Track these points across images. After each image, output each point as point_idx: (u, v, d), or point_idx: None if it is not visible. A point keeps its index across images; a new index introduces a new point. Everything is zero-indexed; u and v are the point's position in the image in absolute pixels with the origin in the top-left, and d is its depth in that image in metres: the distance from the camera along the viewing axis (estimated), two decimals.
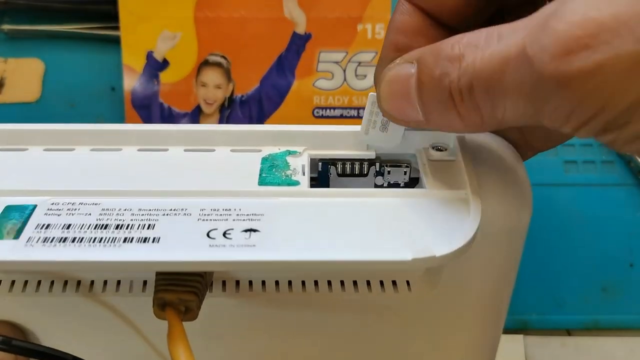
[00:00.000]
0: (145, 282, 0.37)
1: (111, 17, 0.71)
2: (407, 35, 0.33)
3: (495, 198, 0.35)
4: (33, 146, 0.38)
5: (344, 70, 0.72)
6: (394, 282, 0.37)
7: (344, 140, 0.38)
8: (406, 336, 0.40)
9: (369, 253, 0.31)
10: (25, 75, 0.73)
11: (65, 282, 0.37)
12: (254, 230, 0.32)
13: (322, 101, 0.72)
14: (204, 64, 0.72)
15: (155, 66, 0.72)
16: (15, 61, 0.73)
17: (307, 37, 0.72)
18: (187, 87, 0.72)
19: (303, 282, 0.37)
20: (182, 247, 0.31)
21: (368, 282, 0.37)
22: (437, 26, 0.32)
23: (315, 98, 0.72)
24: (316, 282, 0.37)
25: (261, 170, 0.36)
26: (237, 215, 0.33)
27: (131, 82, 0.71)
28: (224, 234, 0.31)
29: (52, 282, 0.37)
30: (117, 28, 0.71)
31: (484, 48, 0.27)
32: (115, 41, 0.72)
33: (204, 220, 0.32)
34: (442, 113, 0.30)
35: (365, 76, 0.72)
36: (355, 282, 0.37)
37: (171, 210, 0.33)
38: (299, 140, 0.38)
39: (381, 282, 0.37)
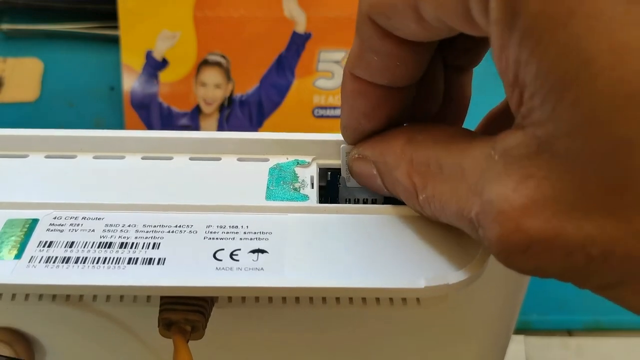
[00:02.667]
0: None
1: (110, 17, 0.71)
2: (367, 115, 0.33)
3: None
4: (34, 152, 0.38)
5: None
6: (403, 299, 0.36)
7: None
8: (414, 349, 0.40)
9: (381, 280, 0.30)
10: (24, 74, 0.73)
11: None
12: (262, 252, 0.31)
13: (322, 101, 0.72)
14: (204, 63, 0.72)
15: (154, 66, 0.71)
16: (14, 61, 0.73)
17: (307, 37, 0.72)
18: (186, 86, 0.72)
19: (311, 297, 0.36)
20: (188, 269, 0.30)
21: (377, 299, 0.36)
22: (388, 91, 0.32)
23: (315, 98, 0.72)
24: (324, 298, 0.36)
25: (269, 183, 0.36)
26: (245, 233, 0.32)
27: (130, 81, 0.71)
28: (231, 256, 0.31)
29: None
30: (116, 27, 0.71)
31: (432, 182, 0.29)
32: (115, 41, 0.71)
33: (210, 238, 0.32)
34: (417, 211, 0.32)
35: None
36: (364, 299, 0.36)
37: (177, 226, 0.32)
38: (308, 149, 0.38)
39: (390, 299, 0.37)
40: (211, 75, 0.72)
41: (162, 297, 0.33)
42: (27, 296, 0.35)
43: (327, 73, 0.72)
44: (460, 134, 0.29)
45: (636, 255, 0.22)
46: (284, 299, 0.36)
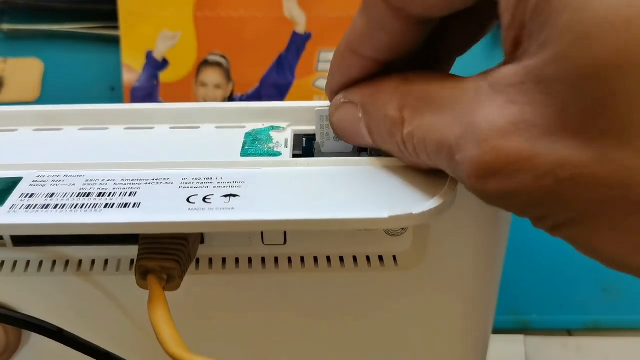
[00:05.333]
0: (132, 261, 0.37)
1: (111, 17, 0.71)
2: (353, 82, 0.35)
3: None
4: (22, 127, 0.40)
5: None
6: (380, 257, 0.37)
7: None
8: (396, 316, 0.40)
9: (346, 212, 0.31)
10: (25, 75, 0.73)
11: (54, 262, 0.37)
12: (234, 196, 0.32)
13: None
14: (204, 63, 0.72)
15: (154, 66, 0.72)
16: (15, 61, 0.73)
17: (307, 37, 0.72)
18: (186, 86, 0.72)
19: (290, 259, 0.37)
20: (162, 211, 0.31)
21: (355, 258, 0.37)
22: (388, 64, 0.33)
23: (315, 98, 0.72)
24: (302, 259, 0.37)
25: (244, 144, 0.37)
26: (218, 183, 0.33)
27: (131, 81, 0.72)
28: (204, 199, 0.32)
29: (41, 262, 0.37)
30: (116, 27, 0.71)
31: (422, 114, 0.30)
32: (115, 41, 0.72)
33: (185, 187, 0.33)
34: (396, 154, 0.33)
35: None
36: (342, 258, 0.37)
37: (153, 179, 0.34)
38: (283, 116, 0.39)
39: (367, 258, 0.37)
40: (211, 76, 0.72)
41: (139, 248, 0.34)
42: (14, 265, 0.37)
43: (327, 73, 0.72)
44: (455, 75, 0.30)
45: (602, 182, 0.23)
46: (263, 260, 0.37)
